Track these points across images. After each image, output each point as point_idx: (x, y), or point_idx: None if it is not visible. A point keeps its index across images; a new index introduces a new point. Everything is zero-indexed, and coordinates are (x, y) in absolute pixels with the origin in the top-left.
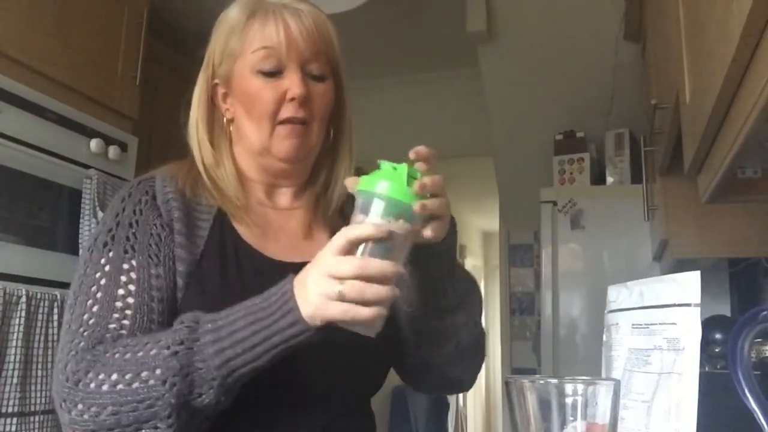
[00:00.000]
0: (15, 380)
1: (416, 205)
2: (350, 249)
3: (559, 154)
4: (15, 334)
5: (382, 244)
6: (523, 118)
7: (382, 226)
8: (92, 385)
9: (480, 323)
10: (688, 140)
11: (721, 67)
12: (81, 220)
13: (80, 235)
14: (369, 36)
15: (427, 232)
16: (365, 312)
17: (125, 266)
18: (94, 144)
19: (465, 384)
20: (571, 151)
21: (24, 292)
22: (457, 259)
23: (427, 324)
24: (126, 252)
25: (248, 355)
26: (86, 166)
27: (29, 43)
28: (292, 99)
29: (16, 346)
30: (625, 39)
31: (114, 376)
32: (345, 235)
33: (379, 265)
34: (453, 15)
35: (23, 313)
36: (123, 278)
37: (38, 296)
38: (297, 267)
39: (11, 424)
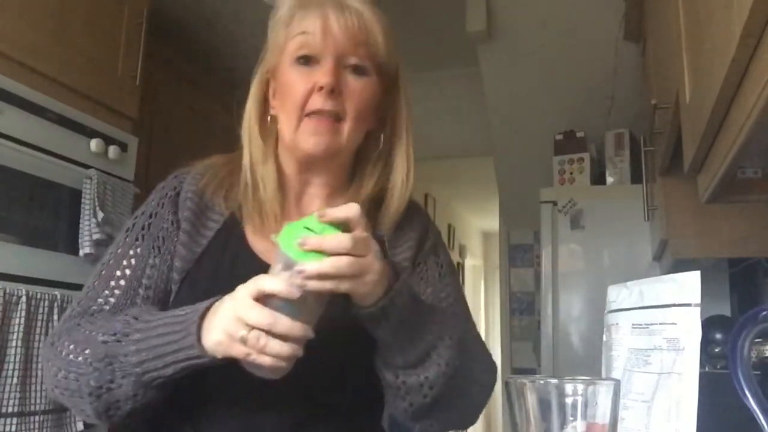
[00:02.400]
0: (15, 380)
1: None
2: (262, 298)
3: (559, 154)
4: (15, 334)
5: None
6: (523, 118)
7: (293, 287)
8: (58, 349)
9: (449, 379)
10: (688, 140)
11: (721, 67)
12: (81, 220)
13: (80, 235)
14: None
15: (343, 286)
16: (263, 359)
17: (131, 252)
18: (94, 144)
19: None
20: (571, 151)
21: (24, 292)
22: (418, 320)
23: (380, 374)
24: (137, 240)
25: (158, 362)
26: (86, 166)
27: (29, 43)
28: (321, 88)
29: (16, 346)
30: (625, 39)
31: (71, 347)
32: (258, 282)
33: (285, 325)
34: (453, 15)
35: (23, 313)
36: (124, 262)
37: (38, 296)
38: None
39: (11, 424)
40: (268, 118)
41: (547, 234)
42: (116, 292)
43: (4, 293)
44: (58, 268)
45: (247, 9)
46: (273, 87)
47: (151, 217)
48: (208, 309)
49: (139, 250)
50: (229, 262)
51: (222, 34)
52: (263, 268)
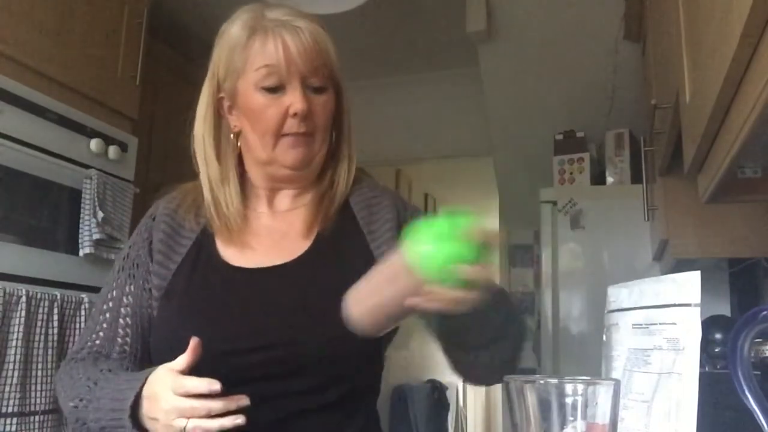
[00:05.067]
0: (15, 380)
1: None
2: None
3: (559, 154)
4: (15, 334)
5: None
6: (523, 118)
7: (213, 383)
8: (60, 376)
9: (511, 358)
10: (688, 140)
11: (721, 67)
12: (81, 220)
13: (80, 235)
14: (369, 36)
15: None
16: None
17: (113, 284)
18: (94, 144)
19: (490, 383)
20: (571, 151)
21: (24, 292)
22: (492, 302)
23: (450, 352)
24: (119, 271)
25: (114, 426)
26: (86, 166)
27: (29, 43)
28: (295, 114)
29: (16, 346)
30: (625, 39)
31: (62, 392)
32: (181, 383)
33: (218, 406)
34: (453, 15)
35: (23, 313)
36: (108, 295)
37: (38, 296)
38: (267, 271)
39: (11, 424)
40: (231, 135)
41: (547, 234)
42: (100, 332)
43: (4, 293)
44: (58, 268)
45: None
46: (228, 105)
47: (130, 246)
48: (142, 385)
49: (120, 280)
50: (201, 273)
51: None
52: (233, 272)
